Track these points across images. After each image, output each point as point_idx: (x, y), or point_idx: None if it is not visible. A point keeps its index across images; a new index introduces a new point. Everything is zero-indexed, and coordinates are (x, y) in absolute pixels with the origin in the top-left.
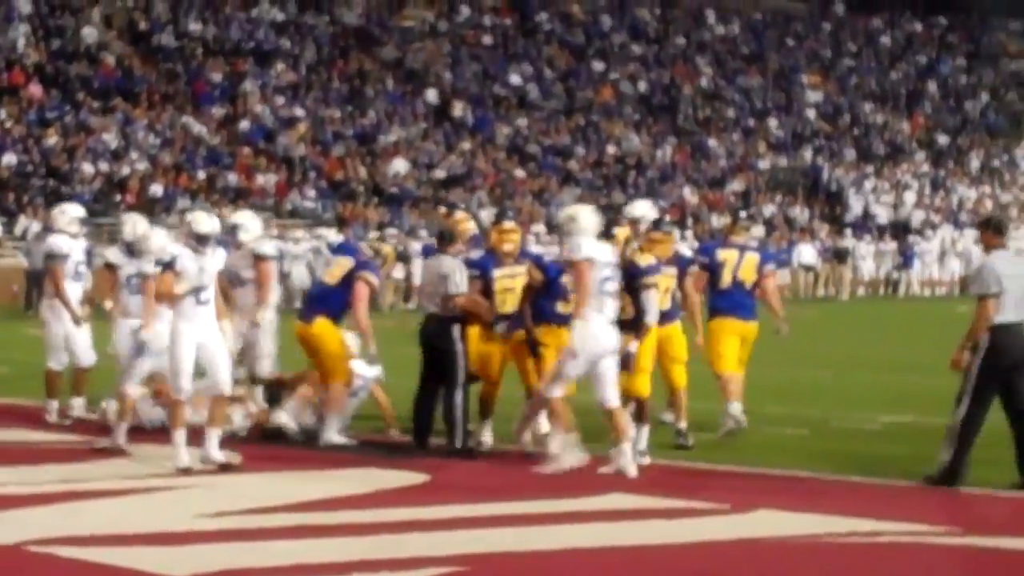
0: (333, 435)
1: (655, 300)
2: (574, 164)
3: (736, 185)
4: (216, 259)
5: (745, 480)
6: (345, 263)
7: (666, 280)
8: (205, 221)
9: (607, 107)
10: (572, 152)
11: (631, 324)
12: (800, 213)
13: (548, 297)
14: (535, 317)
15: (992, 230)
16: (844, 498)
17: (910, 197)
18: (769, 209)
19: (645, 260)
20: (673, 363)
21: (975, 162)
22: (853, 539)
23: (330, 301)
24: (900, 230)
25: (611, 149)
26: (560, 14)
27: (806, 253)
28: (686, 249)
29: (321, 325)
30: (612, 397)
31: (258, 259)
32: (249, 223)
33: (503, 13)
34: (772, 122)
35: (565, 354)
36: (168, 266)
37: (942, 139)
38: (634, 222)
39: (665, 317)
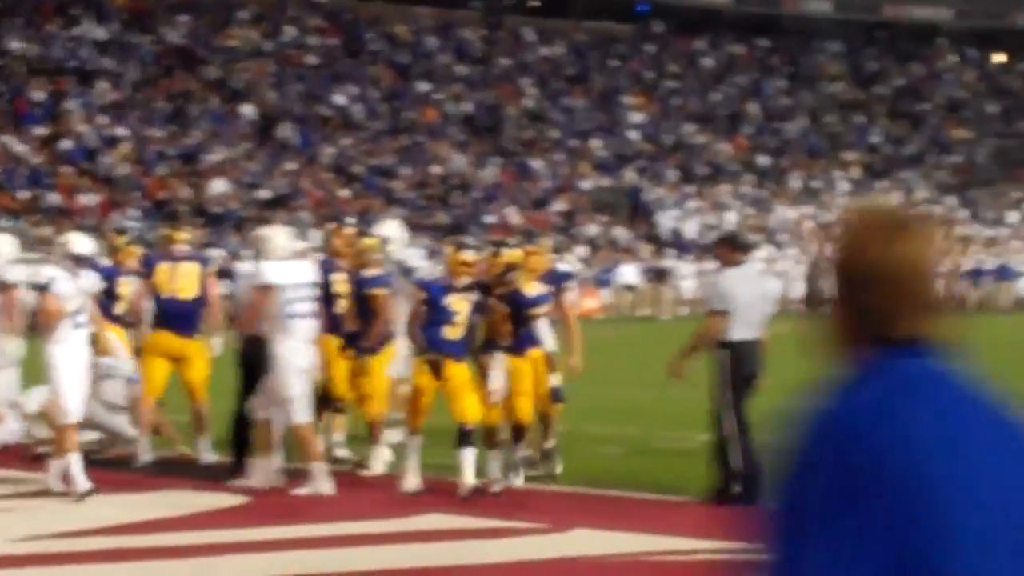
0: (209, 454)
1: (546, 328)
2: (399, 184)
3: (560, 205)
4: (90, 281)
5: (563, 500)
6: (193, 269)
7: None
8: (83, 242)
9: (432, 127)
10: (397, 172)
11: (510, 350)
12: (622, 233)
13: (432, 322)
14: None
15: (729, 246)
16: (662, 517)
17: (731, 217)
18: (592, 229)
19: (533, 289)
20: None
21: (795, 183)
22: (670, 558)
23: (199, 314)
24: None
25: (435, 169)
26: (385, 34)
27: (628, 273)
28: (564, 264)
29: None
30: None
31: None
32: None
33: (328, 33)
34: (595, 143)
35: (276, 381)
36: (43, 288)
37: (763, 160)
38: (384, 242)
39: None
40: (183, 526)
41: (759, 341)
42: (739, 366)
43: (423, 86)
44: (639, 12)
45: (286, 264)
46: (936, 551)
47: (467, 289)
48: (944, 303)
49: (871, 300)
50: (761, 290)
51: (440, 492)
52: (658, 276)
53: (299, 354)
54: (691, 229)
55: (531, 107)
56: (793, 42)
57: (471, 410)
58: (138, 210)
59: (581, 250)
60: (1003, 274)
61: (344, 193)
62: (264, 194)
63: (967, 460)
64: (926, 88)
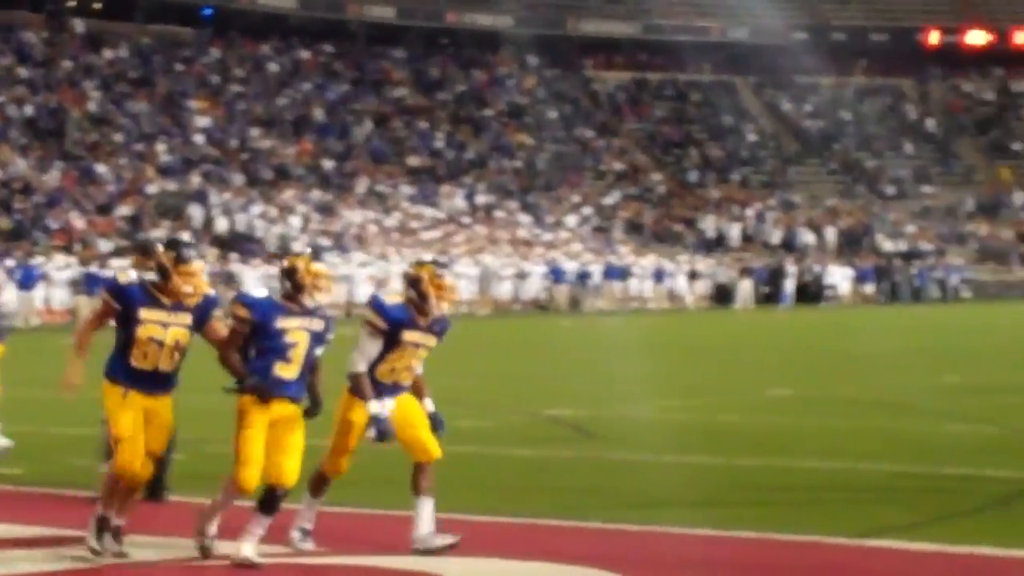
0: None
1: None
2: None
3: (125, 210)
4: None
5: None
6: None
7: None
8: None
9: None
10: None
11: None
12: (188, 238)
13: (262, 353)
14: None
15: (139, 252)
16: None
17: (296, 221)
18: (159, 233)
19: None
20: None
21: (361, 187)
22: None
23: None
24: (288, 254)
25: None
26: None
27: None
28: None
29: None
30: None
31: None
32: None
33: None
34: (160, 147)
35: None
36: None
37: (328, 164)
38: None
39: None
40: None
41: None
42: None
43: None
44: (204, 16)
45: None
46: None
47: (309, 313)
48: None
49: None
50: None
51: None
52: (226, 280)
53: None
54: (260, 232)
55: (94, 111)
56: (358, 47)
57: (293, 470)
58: None
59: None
60: (556, 276)
61: None
62: None
63: None
64: (488, 94)
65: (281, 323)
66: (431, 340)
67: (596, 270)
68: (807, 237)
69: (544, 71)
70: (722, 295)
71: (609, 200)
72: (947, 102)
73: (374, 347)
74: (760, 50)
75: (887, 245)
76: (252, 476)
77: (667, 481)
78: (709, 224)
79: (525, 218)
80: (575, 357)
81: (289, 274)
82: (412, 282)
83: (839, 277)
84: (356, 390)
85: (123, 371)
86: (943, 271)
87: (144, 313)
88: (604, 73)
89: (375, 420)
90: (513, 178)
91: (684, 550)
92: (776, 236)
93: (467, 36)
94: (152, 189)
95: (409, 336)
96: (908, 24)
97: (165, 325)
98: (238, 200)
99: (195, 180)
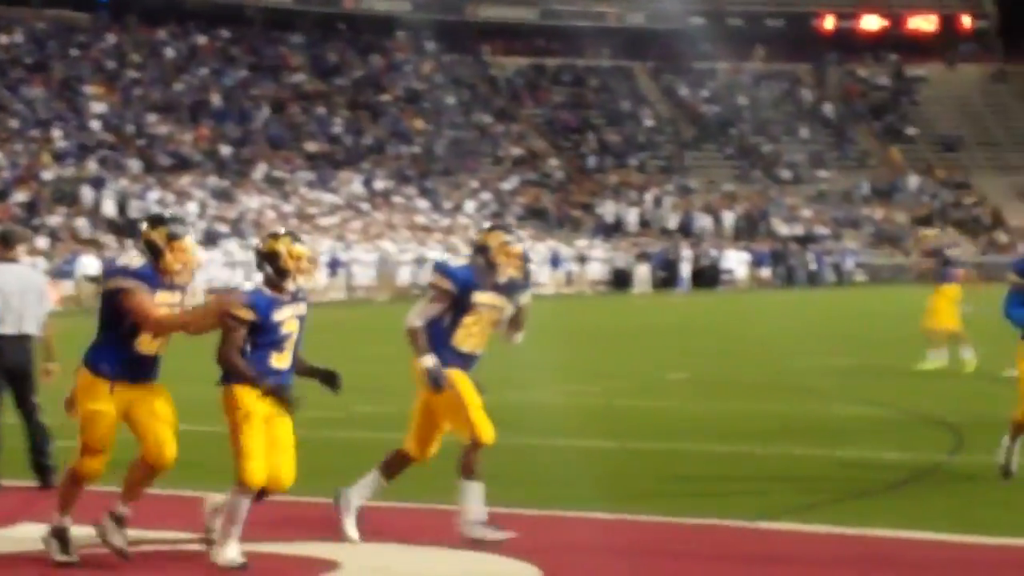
0: None
1: None
2: None
3: (20, 196)
4: None
5: (15, 495)
6: None
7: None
8: None
9: None
10: None
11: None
12: (85, 224)
13: (258, 347)
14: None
15: (1, 243)
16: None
17: (193, 207)
18: (54, 220)
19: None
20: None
21: (259, 173)
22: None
23: None
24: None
25: None
26: None
27: (89, 264)
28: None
29: None
30: None
31: None
32: None
33: None
34: (56, 133)
35: None
36: None
37: (226, 150)
38: None
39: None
40: None
41: (26, 336)
42: (3, 361)
43: None
44: (100, 1)
45: None
46: None
47: (295, 299)
48: None
49: None
50: (27, 286)
51: None
52: None
53: None
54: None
55: None
56: (254, 33)
57: (292, 469)
58: None
59: (43, 241)
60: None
61: None
62: None
63: None
64: (385, 79)
65: (277, 316)
66: (501, 300)
67: None
68: (704, 222)
69: (442, 56)
70: (620, 280)
71: (507, 185)
72: (843, 87)
73: (433, 309)
74: (657, 35)
75: (783, 229)
76: (259, 469)
77: (566, 465)
78: (607, 209)
79: (423, 203)
80: None
81: (270, 259)
82: (480, 249)
83: (735, 261)
84: (412, 343)
85: (117, 361)
86: (838, 255)
87: (160, 297)
88: (502, 58)
89: (429, 371)
90: (411, 163)
91: (583, 534)
92: (673, 221)
93: (364, 21)
94: (48, 175)
95: (480, 297)
96: (803, 9)
97: (172, 307)
98: (135, 186)
99: (91, 166)
